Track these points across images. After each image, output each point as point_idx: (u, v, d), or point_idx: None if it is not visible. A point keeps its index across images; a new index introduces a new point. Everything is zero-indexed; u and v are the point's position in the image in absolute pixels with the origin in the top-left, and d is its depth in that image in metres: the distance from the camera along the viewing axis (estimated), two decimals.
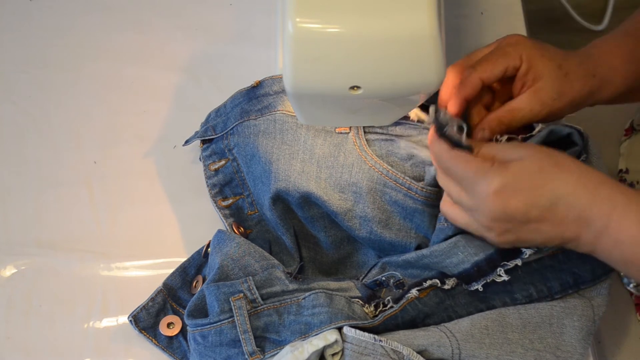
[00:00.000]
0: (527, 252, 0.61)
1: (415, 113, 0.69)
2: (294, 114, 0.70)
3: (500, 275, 0.62)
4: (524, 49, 0.63)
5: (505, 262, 0.62)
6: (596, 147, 0.66)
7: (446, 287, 0.64)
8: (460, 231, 0.64)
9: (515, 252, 0.62)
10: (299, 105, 0.59)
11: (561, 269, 0.64)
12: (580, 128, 0.64)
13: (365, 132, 0.70)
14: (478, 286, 0.63)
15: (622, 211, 0.54)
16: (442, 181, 0.62)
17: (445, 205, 0.63)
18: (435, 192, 0.67)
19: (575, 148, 0.63)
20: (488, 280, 0.63)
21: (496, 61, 0.63)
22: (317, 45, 0.50)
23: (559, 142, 0.64)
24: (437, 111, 0.63)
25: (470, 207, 0.59)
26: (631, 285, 0.61)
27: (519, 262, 0.62)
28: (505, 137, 0.65)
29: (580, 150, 0.63)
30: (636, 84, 0.67)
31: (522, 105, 0.64)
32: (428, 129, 0.67)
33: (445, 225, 0.65)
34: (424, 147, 0.69)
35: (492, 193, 0.56)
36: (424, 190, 0.67)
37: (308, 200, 0.70)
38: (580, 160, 0.62)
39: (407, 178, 0.67)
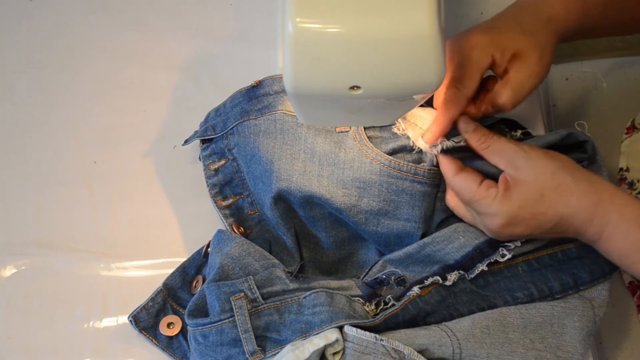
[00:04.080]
0: None
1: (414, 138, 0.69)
2: (294, 114, 0.70)
3: (503, 255, 0.64)
4: (487, 46, 0.64)
5: (506, 243, 0.64)
6: (600, 155, 0.68)
7: (448, 282, 0.64)
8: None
9: None
10: (299, 105, 0.59)
11: (560, 269, 0.65)
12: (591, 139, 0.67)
13: (365, 128, 0.70)
14: (483, 266, 0.64)
15: (612, 228, 0.59)
16: (452, 205, 0.68)
17: (452, 202, 0.67)
18: (438, 172, 0.68)
19: (583, 155, 0.66)
20: (491, 260, 0.64)
21: (473, 74, 0.64)
22: (317, 45, 0.50)
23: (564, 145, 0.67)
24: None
25: (477, 221, 0.64)
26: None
27: (518, 243, 0.64)
28: (520, 132, 0.69)
29: (587, 159, 0.66)
30: (588, 20, 0.68)
31: (507, 94, 0.65)
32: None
33: (445, 205, 0.69)
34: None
35: (497, 226, 0.61)
36: (431, 171, 0.67)
37: (310, 201, 0.70)
38: (582, 165, 0.65)
39: (411, 164, 0.67)
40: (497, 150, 0.62)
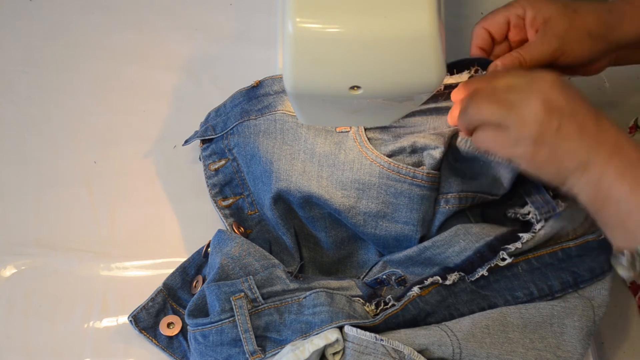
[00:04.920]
0: (525, 237, 0.63)
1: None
2: (295, 114, 0.70)
3: (503, 259, 0.63)
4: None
5: (506, 246, 0.63)
6: None
7: (448, 282, 0.64)
8: (457, 212, 0.68)
9: (513, 237, 0.63)
10: (299, 105, 0.59)
11: (561, 267, 0.65)
12: None
13: (365, 129, 0.70)
14: (483, 271, 0.63)
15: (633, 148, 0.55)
16: (482, 103, 0.58)
17: (479, 134, 0.59)
18: (438, 176, 0.68)
19: None
20: (492, 265, 0.63)
21: (498, 11, 0.68)
22: (317, 45, 0.50)
23: None
24: None
25: (522, 104, 0.56)
26: (623, 260, 0.57)
27: (518, 244, 0.63)
28: None
29: None
30: None
31: (536, 42, 0.65)
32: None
33: (446, 207, 0.68)
34: (426, 134, 0.69)
35: (555, 77, 0.56)
36: (430, 175, 0.67)
37: (309, 201, 0.70)
38: None
39: (410, 167, 0.67)
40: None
